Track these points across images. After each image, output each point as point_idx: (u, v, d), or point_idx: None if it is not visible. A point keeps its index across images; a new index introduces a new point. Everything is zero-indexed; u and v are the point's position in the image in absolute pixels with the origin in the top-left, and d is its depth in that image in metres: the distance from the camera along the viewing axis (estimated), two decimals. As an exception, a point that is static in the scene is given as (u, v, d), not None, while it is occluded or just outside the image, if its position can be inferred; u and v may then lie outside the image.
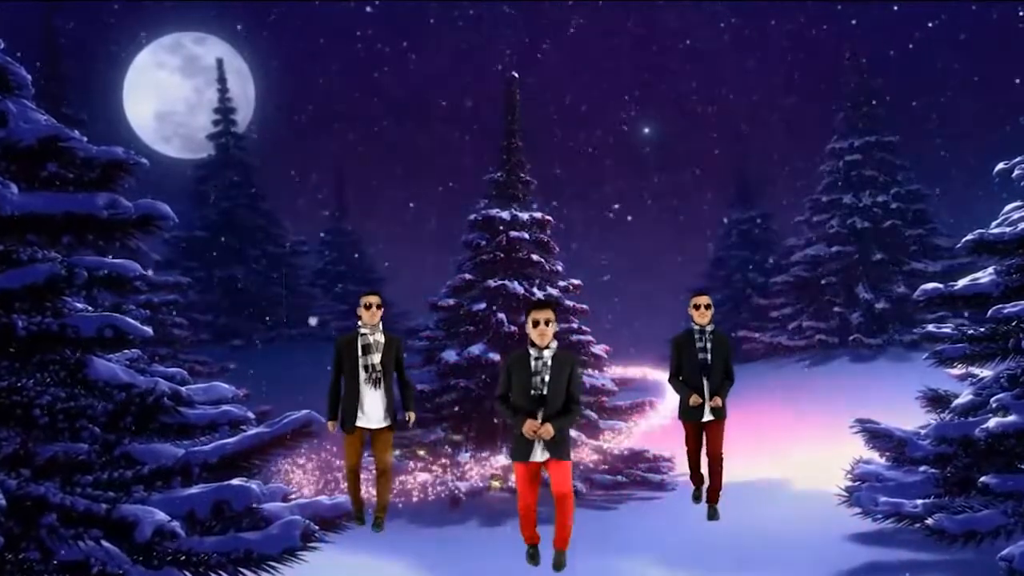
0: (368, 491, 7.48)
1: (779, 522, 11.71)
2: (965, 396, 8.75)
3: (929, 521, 7.56)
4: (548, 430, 4.81)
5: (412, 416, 5.87)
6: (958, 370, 10.19)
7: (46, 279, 5.60)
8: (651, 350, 28.94)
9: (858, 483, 9.07)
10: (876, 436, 8.95)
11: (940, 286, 8.84)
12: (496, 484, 13.84)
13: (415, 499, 13.58)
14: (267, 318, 28.20)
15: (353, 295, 30.62)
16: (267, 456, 6.59)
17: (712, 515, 5.93)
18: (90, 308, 7.30)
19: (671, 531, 12.05)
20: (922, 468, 9.12)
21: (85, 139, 6.32)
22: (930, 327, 9.60)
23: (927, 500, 8.24)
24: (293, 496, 7.68)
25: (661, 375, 24.68)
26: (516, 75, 15.71)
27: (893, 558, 9.13)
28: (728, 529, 11.80)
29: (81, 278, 5.70)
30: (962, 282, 8.82)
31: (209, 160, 29.66)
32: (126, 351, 8.09)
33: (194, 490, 6.02)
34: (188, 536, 5.75)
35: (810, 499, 12.90)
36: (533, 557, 5.31)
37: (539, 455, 4.91)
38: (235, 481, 6.15)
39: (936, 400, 9.30)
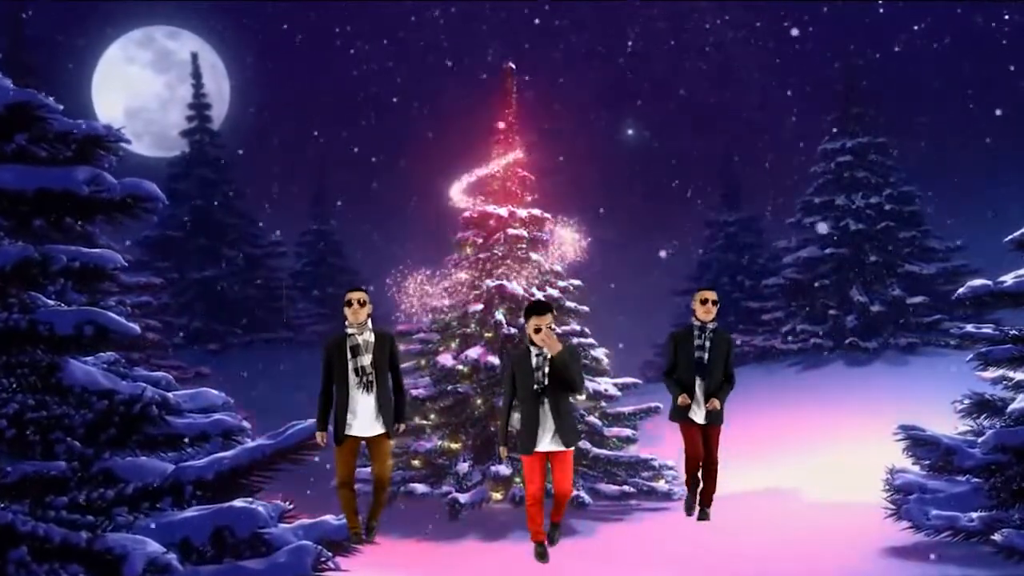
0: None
1: (803, 534, 11.09)
2: (1020, 402, 8.17)
3: (996, 537, 6.97)
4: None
5: (401, 427, 5.49)
6: (991, 373, 9.66)
7: (15, 264, 4.74)
8: (639, 354, 28.47)
9: (900, 494, 8.45)
10: (921, 444, 8.35)
11: (988, 283, 8.29)
12: (497, 495, 13.08)
13: (411, 511, 12.78)
14: (253, 319, 27.19)
15: (333, 298, 29.72)
16: (269, 472, 5.79)
17: (703, 516, 5.72)
18: (62, 305, 6.45)
19: (686, 545, 11.39)
20: (963, 478, 8.55)
21: (61, 107, 5.49)
22: (969, 327, 9.06)
23: (983, 513, 7.65)
24: (291, 514, 6.88)
25: (656, 380, 24.08)
26: (513, 66, 14.99)
27: (941, 574, 8.52)
28: (748, 542, 11.21)
29: (59, 263, 4.85)
30: (1009, 278, 8.28)
31: (182, 158, 28.60)
32: (102, 354, 7.27)
33: (189, 513, 5.18)
34: (183, 567, 4.93)
35: (828, 509, 12.34)
36: (542, 556, 5.53)
37: (546, 445, 5.21)
38: (237, 502, 5.32)
39: (982, 405, 8.72)
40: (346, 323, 5.36)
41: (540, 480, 5.31)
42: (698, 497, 5.72)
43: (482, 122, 15.06)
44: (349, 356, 5.29)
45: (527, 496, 5.41)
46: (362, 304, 5.34)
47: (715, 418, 5.46)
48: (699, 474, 5.68)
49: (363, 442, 5.50)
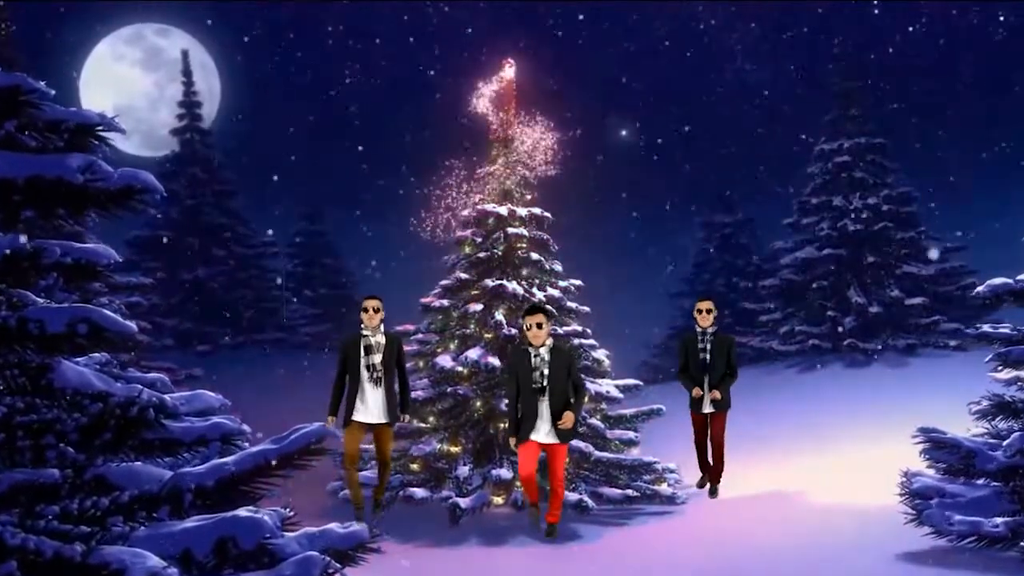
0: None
1: (810, 537, 10.85)
2: (1044, 403, 7.98)
3: (1026, 544, 6.76)
4: (569, 419, 5.71)
5: (406, 417, 6.69)
6: (1005, 374, 9.46)
7: (5, 256, 4.42)
8: (636, 355, 28.27)
9: (918, 499, 8.22)
10: (940, 446, 8.14)
11: (1009, 280, 8.09)
12: (498, 499, 12.79)
13: (411, 516, 12.48)
14: (235, 316, 26.77)
15: (326, 299, 29.43)
16: (273, 478, 5.49)
17: (713, 494, 6.96)
18: (52, 303, 6.13)
19: (691, 549, 11.16)
20: (981, 481, 8.34)
21: (53, 92, 5.18)
22: (985, 327, 8.84)
23: (1007, 519, 7.44)
24: (292, 521, 6.58)
25: (652, 381, 23.88)
26: (512, 63, 14.70)
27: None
28: (755, 544, 10.97)
29: (53, 255, 4.53)
30: (1029, 277, 8.08)
31: (172, 156, 28.27)
32: (93, 355, 6.96)
33: (189, 523, 4.87)
34: (183, 581, 4.62)
35: (834, 511, 12.09)
36: (535, 516, 6.30)
37: (542, 438, 5.81)
38: (241, 511, 5.01)
39: (1001, 407, 8.50)
40: (361, 326, 6.22)
41: (534, 464, 5.94)
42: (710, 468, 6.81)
43: (480, 120, 14.76)
44: (362, 354, 6.16)
45: (521, 477, 6.06)
46: (377, 311, 6.21)
47: (719, 406, 6.51)
48: (707, 455, 6.79)
49: (368, 432, 6.43)
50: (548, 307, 12.58)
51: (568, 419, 5.72)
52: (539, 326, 5.73)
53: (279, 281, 27.85)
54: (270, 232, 29.24)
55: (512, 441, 6.04)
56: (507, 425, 6.11)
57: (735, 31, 39.97)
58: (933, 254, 23.03)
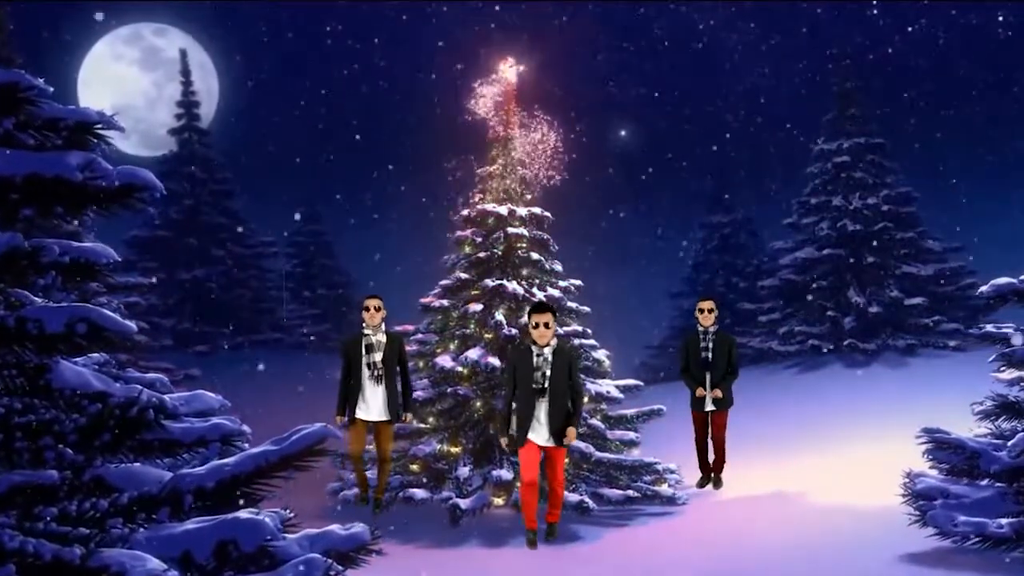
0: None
1: (811, 538, 10.82)
2: (1049, 404, 7.94)
3: (1033, 546, 6.74)
4: (572, 435, 5.60)
5: (409, 416, 6.68)
6: (1008, 374, 9.42)
7: (3, 255, 4.37)
8: (635, 356, 28.25)
9: (922, 500, 8.19)
10: (945, 447, 8.10)
11: (1013, 280, 8.05)
12: (499, 500, 12.74)
13: (411, 517, 12.43)
14: (231, 324, 26.71)
15: (324, 299, 29.40)
16: (274, 480, 5.44)
17: (717, 484, 7.08)
18: (50, 302, 6.07)
19: (692, 549, 11.13)
20: (985, 482, 8.30)
21: (52, 90, 5.12)
22: (988, 327, 8.82)
23: (1012, 519, 7.40)
24: (293, 522, 6.52)
25: (652, 382, 23.82)
26: (512, 61, 14.64)
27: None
28: (756, 545, 10.94)
29: (51, 254, 4.48)
30: (1034, 276, 8.05)
31: (170, 156, 28.20)
32: (92, 355, 6.90)
33: (190, 525, 4.81)
34: (183, 584, 4.56)
35: (835, 512, 12.07)
36: (532, 543, 6.09)
37: (541, 441, 5.66)
38: (242, 514, 4.95)
39: (1005, 407, 8.47)
40: (363, 325, 6.25)
41: (536, 468, 5.72)
42: (710, 469, 6.93)
43: (479, 120, 14.70)
44: (364, 353, 6.21)
45: (523, 483, 5.82)
46: (378, 309, 6.26)
47: (720, 404, 6.58)
48: (707, 454, 6.88)
49: (370, 425, 6.45)
50: (553, 305, 12.49)
51: (571, 435, 5.65)
52: (546, 325, 5.53)
53: (282, 281, 27.83)
54: (269, 232, 29.16)
55: (504, 441, 5.88)
56: (501, 423, 5.86)
57: (736, 31, 39.96)
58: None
